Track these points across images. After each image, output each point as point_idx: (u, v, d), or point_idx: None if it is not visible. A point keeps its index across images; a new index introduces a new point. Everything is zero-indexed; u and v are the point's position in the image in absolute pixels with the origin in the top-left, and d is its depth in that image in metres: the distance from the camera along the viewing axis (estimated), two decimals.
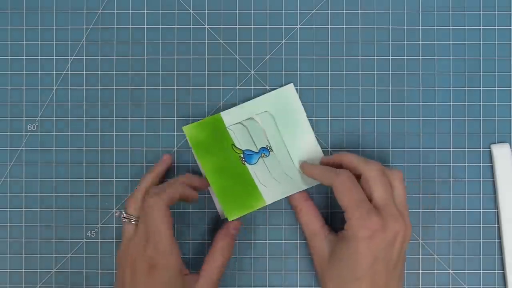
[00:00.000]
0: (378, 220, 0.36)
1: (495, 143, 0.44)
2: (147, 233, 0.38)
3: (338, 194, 0.38)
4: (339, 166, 0.40)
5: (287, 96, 0.43)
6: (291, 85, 0.44)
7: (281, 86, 0.44)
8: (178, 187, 0.39)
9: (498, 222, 0.43)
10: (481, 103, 0.44)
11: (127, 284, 0.38)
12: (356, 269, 0.37)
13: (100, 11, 0.44)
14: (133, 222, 0.39)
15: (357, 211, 0.37)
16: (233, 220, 0.42)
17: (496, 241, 0.44)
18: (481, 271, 0.44)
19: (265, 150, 0.43)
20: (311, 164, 0.42)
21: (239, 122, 0.43)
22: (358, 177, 0.39)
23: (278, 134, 0.43)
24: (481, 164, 0.44)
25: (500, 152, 0.43)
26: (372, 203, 0.37)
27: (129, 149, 0.44)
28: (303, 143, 0.43)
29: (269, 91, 0.44)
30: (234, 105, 0.44)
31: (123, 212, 0.40)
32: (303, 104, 0.44)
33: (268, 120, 0.43)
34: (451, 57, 0.44)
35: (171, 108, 0.44)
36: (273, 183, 0.43)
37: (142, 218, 0.39)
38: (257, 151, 0.43)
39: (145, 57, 0.44)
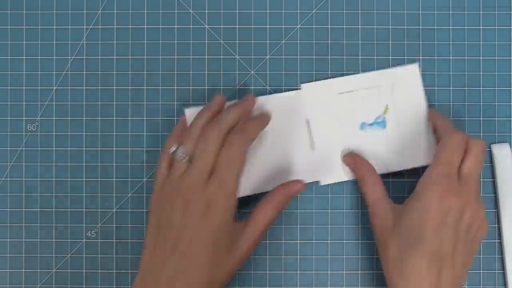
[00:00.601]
0: (456, 184, 0.36)
1: (495, 143, 0.44)
2: (216, 169, 0.37)
3: (439, 147, 0.38)
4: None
5: (409, 77, 0.43)
6: (416, 65, 0.43)
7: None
8: (255, 126, 0.40)
9: (498, 222, 0.43)
10: (481, 103, 0.44)
11: (175, 225, 0.36)
12: (421, 229, 0.36)
13: (100, 11, 0.44)
14: (185, 161, 0.38)
15: (440, 169, 0.37)
16: (295, 181, 0.40)
17: (496, 241, 0.44)
18: (481, 271, 0.44)
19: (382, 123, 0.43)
20: (437, 113, 0.42)
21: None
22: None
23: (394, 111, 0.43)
24: None
25: (500, 152, 0.43)
26: (460, 168, 0.37)
27: (129, 149, 0.44)
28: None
29: (269, 90, 0.44)
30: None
31: (177, 149, 0.38)
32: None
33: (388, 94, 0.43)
34: (451, 57, 0.44)
35: (171, 108, 0.44)
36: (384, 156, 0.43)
37: (206, 154, 0.37)
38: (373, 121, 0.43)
39: (145, 57, 0.44)
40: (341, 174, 0.43)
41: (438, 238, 0.36)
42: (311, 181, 0.43)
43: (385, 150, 0.43)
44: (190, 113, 0.42)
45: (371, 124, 0.43)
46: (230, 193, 0.37)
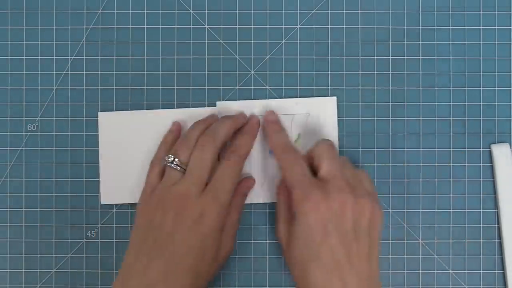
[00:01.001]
0: (319, 191, 0.36)
1: (495, 143, 0.44)
2: (212, 182, 0.38)
3: (283, 171, 0.39)
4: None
5: (326, 108, 0.43)
6: (334, 98, 0.44)
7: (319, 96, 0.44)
8: (249, 142, 0.41)
9: (498, 222, 0.43)
10: (481, 103, 0.44)
11: (166, 229, 0.37)
12: (311, 246, 0.35)
13: (100, 11, 0.44)
14: (180, 170, 0.39)
15: (298, 186, 0.37)
16: (246, 179, 0.42)
17: (496, 241, 0.44)
18: (481, 271, 0.44)
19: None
20: (273, 123, 0.42)
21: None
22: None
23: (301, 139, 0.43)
24: (481, 164, 0.44)
25: (500, 152, 0.43)
26: (318, 177, 0.37)
27: None
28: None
29: (269, 90, 0.44)
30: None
31: (174, 158, 0.39)
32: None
33: (302, 123, 0.43)
34: (451, 57, 0.44)
35: (171, 108, 0.44)
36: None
37: (201, 163, 0.38)
38: None
39: (145, 57, 0.44)
40: (251, 196, 0.43)
41: (327, 249, 0.35)
42: None
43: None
44: (222, 106, 0.43)
45: None
46: (223, 205, 0.38)
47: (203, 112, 0.43)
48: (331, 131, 0.43)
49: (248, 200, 0.43)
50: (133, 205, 0.44)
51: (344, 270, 0.35)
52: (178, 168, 0.39)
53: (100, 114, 0.43)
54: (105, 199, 0.43)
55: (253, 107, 0.43)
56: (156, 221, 0.37)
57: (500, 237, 0.43)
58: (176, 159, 0.39)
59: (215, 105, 0.44)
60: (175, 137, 0.42)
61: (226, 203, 0.38)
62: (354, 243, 0.36)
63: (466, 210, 0.44)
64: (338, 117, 0.44)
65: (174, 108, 0.44)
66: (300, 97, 0.44)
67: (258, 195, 0.43)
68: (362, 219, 0.36)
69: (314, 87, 0.44)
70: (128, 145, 0.43)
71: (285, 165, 0.39)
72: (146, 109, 0.44)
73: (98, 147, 0.44)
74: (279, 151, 0.40)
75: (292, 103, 0.43)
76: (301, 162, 0.38)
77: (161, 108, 0.44)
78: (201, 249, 0.37)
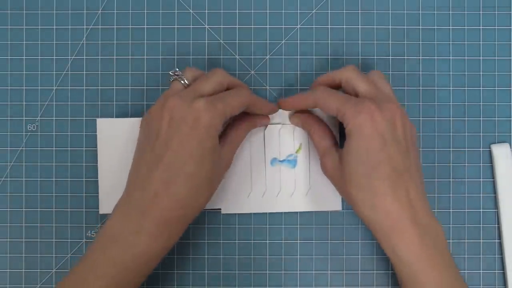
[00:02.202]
0: (371, 102, 0.36)
1: (495, 143, 0.44)
2: (213, 96, 0.37)
3: (325, 106, 0.38)
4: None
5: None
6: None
7: None
8: (260, 102, 0.41)
9: (498, 222, 0.43)
10: (481, 103, 0.44)
11: (161, 135, 0.36)
12: (370, 157, 0.36)
13: (100, 11, 0.44)
14: (183, 83, 0.38)
15: (348, 103, 0.37)
16: (266, 117, 0.42)
17: (496, 241, 0.44)
18: (481, 271, 0.44)
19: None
20: (288, 98, 0.41)
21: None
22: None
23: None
24: (481, 164, 0.44)
25: (500, 152, 0.43)
26: (358, 94, 0.38)
27: None
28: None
29: (269, 90, 0.44)
30: None
31: (180, 72, 0.39)
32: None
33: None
34: (451, 57, 0.44)
35: None
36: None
37: (206, 81, 0.38)
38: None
39: (145, 57, 0.44)
40: (244, 206, 0.43)
41: (386, 158, 0.36)
42: (212, 207, 0.43)
43: (292, 189, 0.43)
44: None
45: (281, 161, 0.43)
46: (220, 111, 0.36)
47: None
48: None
49: (248, 210, 0.43)
50: None
51: (405, 177, 0.36)
52: (182, 81, 0.38)
53: (98, 120, 0.43)
54: (103, 209, 0.43)
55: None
56: (153, 130, 0.37)
57: (500, 237, 0.43)
58: (181, 74, 0.39)
59: None
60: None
61: (222, 111, 0.37)
62: (407, 152, 0.37)
63: (466, 210, 0.44)
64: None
65: None
66: None
67: (259, 205, 0.43)
68: (408, 130, 0.37)
69: None
70: (126, 153, 0.42)
71: (324, 98, 0.38)
72: (146, 109, 0.44)
73: (97, 147, 0.44)
74: (308, 94, 0.39)
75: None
76: (339, 91, 0.38)
77: None
78: (199, 155, 0.36)
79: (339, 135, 0.43)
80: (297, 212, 0.44)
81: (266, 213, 0.44)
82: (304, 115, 0.42)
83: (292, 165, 0.43)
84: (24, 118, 0.44)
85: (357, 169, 0.36)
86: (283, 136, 0.43)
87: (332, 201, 0.43)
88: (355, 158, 0.36)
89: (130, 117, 0.44)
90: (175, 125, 0.36)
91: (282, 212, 0.44)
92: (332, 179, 0.40)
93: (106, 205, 0.43)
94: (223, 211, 0.43)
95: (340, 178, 0.38)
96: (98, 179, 0.43)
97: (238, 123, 0.41)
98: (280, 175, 0.43)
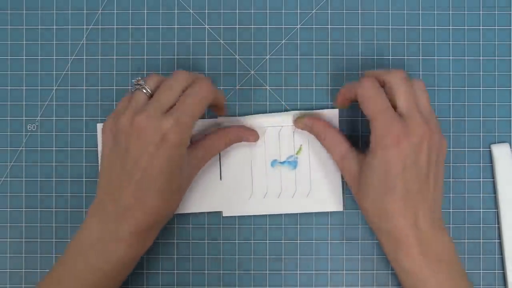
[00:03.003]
0: (401, 126, 0.36)
1: (495, 143, 0.44)
2: (175, 107, 0.37)
3: (363, 104, 0.38)
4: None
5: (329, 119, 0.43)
6: (336, 111, 0.43)
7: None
8: (221, 94, 0.41)
9: (498, 222, 0.43)
10: (481, 103, 0.44)
11: (130, 153, 0.36)
12: (387, 179, 0.37)
13: (100, 11, 0.44)
14: (147, 94, 0.38)
15: (380, 119, 0.37)
16: (254, 133, 0.43)
17: (496, 241, 0.44)
18: (481, 271, 0.44)
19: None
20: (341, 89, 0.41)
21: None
22: (383, 86, 0.39)
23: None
24: (481, 164, 0.44)
25: (500, 152, 0.43)
26: (396, 111, 0.37)
27: None
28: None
29: (269, 90, 0.44)
30: (234, 105, 0.44)
31: (142, 81, 0.38)
32: (302, 104, 0.44)
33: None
34: (451, 57, 0.44)
35: None
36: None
37: (169, 90, 0.38)
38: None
39: (145, 57, 0.44)
40: (245, 208, 0.43)
41: (403, 180, 0.37)
42: (213, 210, 0.43)
43: (293, 191, 0.43)
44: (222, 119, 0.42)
45: (282, 163, 0.43)
46: (185, 128, 0.37)
47: (206, 123, 0.43)
48: None
49: (249, 212, 0.43)
50: None
51: (416, 200, 0.37)
52: (144, 90, 0.38)
53: (99, 125, 0.43)
54: None
55: (254, 119, 0.43)
56: (121, 146, 0.37)
57: (500, 237, 0.43)
58: (143, 83, 0.38)
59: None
60: None
61: (187, 126, 0.37)
62: (426, 177, 0.37)
63: (466, 210, 0.44)
64: (338, 117, 0.44)
65: None
66: (300, 97, 0.44)
67: (261, 207, 0.43)
68: (434, 153, 0.38)
69: (314, 87, 0.44)
70: None
71: (365, 97, 0.38)
72: None
73: (97, 147, 0.44)
74: (355, 84, 0.39)
75: (293, 115, 0.43)
76: (383, 95, 0.38)
77: None
78: (168, 172, 0.37)
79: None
80: (297, 213, 0.44)
81: (265, 215, 0.44)
82: (311, 120, 0.42)
83: (292, 166, 0.43)
84: (24, 118, 0.44)
85: (373, 186, 0.38)
86: (283, 138, 0.43)
87: (333, 202, 0.43)
88: (373, 175, 0.38)
89: None
90: (144, 143, 0.36)
91: (281, 214, 0.44)
92: (350, 183, 0.40)
93: None
94: (224, 214, 0.43)
95: (357, 185, 0.39)
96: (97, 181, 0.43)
97: (222, 133, 0.42)
98: (280, 176, 0.43)
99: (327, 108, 0.44)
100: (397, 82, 0.38)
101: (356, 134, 0.44)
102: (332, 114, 0.43)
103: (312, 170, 0.43)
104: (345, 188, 0.44)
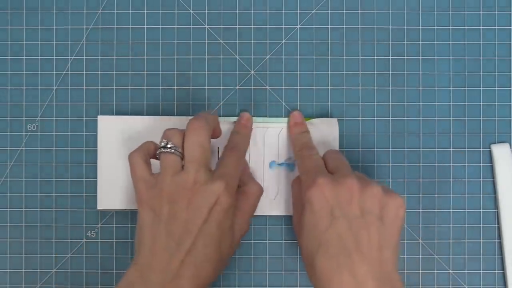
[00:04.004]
0: (325, 177, 0.35)
1: (495, 143, 0.44)
2: (220, 167, 0.37)
3: (298, 166, 0.40)
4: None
5: (329, 128, 0.43)
6: (335, 120, 0.43)
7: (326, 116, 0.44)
8: (245, 138, 0.42)
9: (498, 222, 0.43)
10: (481, 103, 0.44)
11: (179, 219, 0.35)
12: (317, 233, 0.34)
13: (100, 11, 0.44)
14: (177, 154, 0.36)
15: (307, 174, 0.37)
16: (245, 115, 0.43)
17: (496, 241, 0.44)
18: (481, 271, 0.44)
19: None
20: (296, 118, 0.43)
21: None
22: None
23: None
24: (481, 164, 0.44)
25: (500, 152, 0.43)
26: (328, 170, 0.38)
27: None
28: None
29: (269, 90, 0.44)
30: (234, 105, 0.44)
31: (167, 142, 0.36)
32: (302, 104, 0.44)
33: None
34: (451, 57, 0.44)
35: (171, 108, 0.44)
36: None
37: (199, 146, 0.36)
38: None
39: (145, 57, 0.44)
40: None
41: (334, 236, 0.34)
42: None
43: (290, 192, 0.43)
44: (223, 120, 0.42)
45: (280, 164, 0.43)
46: (234, 191, 0.37)
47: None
48: (333, 146, 0.43)
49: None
50: (133, 212, 0.44)
51: (353, 258, 0.33)
52: (173, 151, 0.36)
53: (99, 117, 0.43)
54: (101, 205, 0.43)
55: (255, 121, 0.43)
56: (165, 214, 0.35)
57: (500, 237, 0.43)
58: (170, 143, 0.36)
59: (215, 106, 0.44)
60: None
61: (235, 189, 0.37)
62: (363, 230, 0.34)
63: (466, 210, 0.44)
64: (340, 117, 0.44)
65: (174, 111, 0.44)
66: (300, 97, 0.44)
67: (258, 207, 0.43)
68: (372, 205, 0.34)
69: (314, 87, 0.44)
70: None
71: (300, 159, 0.39)
72: (146, 109, 0.44)
73: (98, 144, 0.44)
74: (298, 147, 0.41)
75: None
76: (317, 157, 0.39)
77: (161, 109, 0.44)
78: (218, 237, 0.36)
79: None
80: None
81: (265, 216, 0.44)
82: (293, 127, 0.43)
83: (290, 168, 0.43)
84: (24, 118, 0.44)
85: (307, 242, 0.36)
86: (282, 139, 0.43)
87: None
88: (306, 231, 0.36)
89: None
90: (194, 208, 0.35)
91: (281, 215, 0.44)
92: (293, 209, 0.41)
93: (105, 201, 0.43)
94: None
95: (299, 242, 0.38)
96: (97, 175, 0.43)
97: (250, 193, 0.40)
98: (278, 178, 0.43)
99: (328, 108, 0.44)
100: (331, 154, 0.40)
101: (356, 134, 0.44)
102: (332, 123, 0.43)
103: None
104: None
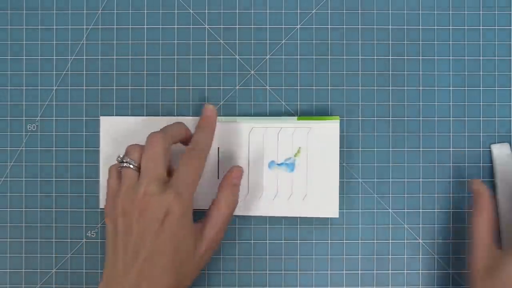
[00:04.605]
0: None
1: (495, 143, 0.44)
2: (172, 179, 0.37)
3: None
4: None
5: (329, 128, 0.43)
6: (337, 122, 0.43)
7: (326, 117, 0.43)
8: (208, 138, 0.41)
9: (498, 222, 0.43)
10: (481, 103, 0.44)
11: (134, 232, 0.36)
12: None
13: (100, 11, 0.44)
14: (134, 168, 0.38)
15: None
16: (234, 168, 0.41)
17: None
18: None
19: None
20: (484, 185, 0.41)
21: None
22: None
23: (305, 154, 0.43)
24: (481, 164, 0.44)
25: (500, 152, 0.43)
26: None
27: None
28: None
29: (269, 90, 0.44)
30: (234, 105, 0.44)
31: (124, 156, 0.38)
32: (302, 104, 0.44)
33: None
34: (451, 57, 0.44)
35: (171, 108, 0.44)
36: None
37: (154, 162, 0.37)
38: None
39: (145, 57, 0.44)
40: (241, 208, 0.43)
41: None
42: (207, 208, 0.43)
43: (289, 193, 0.43)
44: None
45: (279, 164, 0.43)
46: (187, 200, 0.37)
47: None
48: (332, 153, 0.43)
49: (244, 212, 0.43)
50: None
51: None
52: (131, 166, 0.38)
53: (102, 118, 0.43)
54: (103, 204, 0.43)
55: (256, 121, 0.43)
56: (121, 227, 0.37)
57: (499, 237, 0.43)
58: (127, 158, 0.38)
59: (217, 105, 0.44)
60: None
61: (189, 198, 0.37)
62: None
63: (466, 210, 0.44)
64: (340, 117, 0.44)
65: (174, 111, 0.44)
66: (300, 97, 0.44)
67: (256, 207, 0.43)
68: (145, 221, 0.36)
69: (314, 87, 0.44)
70: None
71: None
72: (146, 109, 0.44)
73: (98, 147, 0.44)
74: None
75: (293, 120, 0.43)
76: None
77: (161, 109, 0.44)
78: (173, 247, 0.36)
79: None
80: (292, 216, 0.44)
81: (265, 216, 0.44)
82: (482, 190, 0.40)
83: (290, 169, 0.43)
84: (24, 118, 0.44)
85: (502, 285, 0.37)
86: (282, 139, 0.43)
87: (329, 208, 0.43)
88: (506, 278, 0.37)
89: (131, 117, 0.44)
90: (148, 221, 0.36)
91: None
92: (474, 272, 0.39)
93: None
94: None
95: (480, 274, 0.38)
96: (99, 175, 0.43)
97: (224, 201, 0.40)
98: (277, 178, 0.43)
99: (328, 108, 0.44)
100: None
101: (356, 134, 0.44)
102: (332, 124, 0.43)
103: (309, 174, 0.43)
104: (343, 193, 0.44)
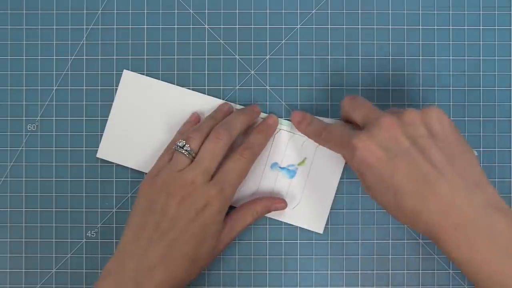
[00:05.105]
0: (358, 134, 0.36)
1: (495, 143, 0.44)
2: (220, 174, 0.38)
3: (329, 148, 0.40)
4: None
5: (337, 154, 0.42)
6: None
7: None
8: (263, 142, 0.42)
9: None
10: (481, 103, 0.44)
11: (168, 213, 0.37)
12: (385, 184, 0.34)
13: (100, 11, 0.44)
14: (188, 156, 0.39)
15: (341, 143, 0.37)
16: (282, 201, 0.42)
17: None
18: None
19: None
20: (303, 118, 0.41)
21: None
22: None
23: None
24: (481, 164, 0.44)
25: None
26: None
27: None
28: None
29: (269, 90, 0.44)
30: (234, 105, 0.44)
31: (184, 144, 0.39)
32: (302, 104, 0.44)
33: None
34: (451, 57, 0.44)
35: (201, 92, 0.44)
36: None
37: (213, 155, 0.38)
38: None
39: (145, 57, 0.44)
40: (232, 202, 0.42)
41: (402, 175, 0.34)
42: None
43: (281, 198, 0.43)
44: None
45: (282, 168, 0.43)
46: (228, 198, 0.39)
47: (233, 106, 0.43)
48: (335, 172, 0.43)
49: (235, 203, 0.43)
50: (132, 204, 0.44)
51: (431, 182, 0.33)
52: (187, 154, 0.39)
53: (125, 71, 0.43)
54: (101, 154, 0.43)
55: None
56: (159, 205, 0.37)
57: None
58: (187, 145, 0.39)
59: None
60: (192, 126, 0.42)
61: (230, 197, 0.39)
62: (423, 155, 0.34)
63: None
64: (338, 116, 0.44)
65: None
66: (300, 97, 0.44)
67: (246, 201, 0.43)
68: (416, 130, 0.35)
69: (314, 87, 0.44)
70: (142, 111, 0.43)
71: (326, 142, 0.39)
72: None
73: (98, 147, 0.44)
74: (315, 139, 0.41)
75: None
76: (336, 126, 0.39)
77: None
78: (201, 238, 0.37)
79: None
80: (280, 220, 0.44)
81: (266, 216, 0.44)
82: (314, 128, 0.41)
83: (290, 175, 0.43)
84: (24, 118, 0.44)
85: (387, 200, 0.35)
86: (290, 145, 0.43)
87: (316, 222, 0.43)
88: (378, 192, 0.35)
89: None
90: (184, 206, 0.37)
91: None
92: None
93: (105, 151, 0.43)
94: None
95: (379, 202, 0.37)
96: (106, 125, 0.43)
97: (248, 207, 0.41)
98: (275, 180, 0.43)
99: (328, 108, 0.44)
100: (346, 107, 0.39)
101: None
102: (331, 123, 0.43)
103: (307, 185, 0.43)
104: (333, 209, 0.44)
